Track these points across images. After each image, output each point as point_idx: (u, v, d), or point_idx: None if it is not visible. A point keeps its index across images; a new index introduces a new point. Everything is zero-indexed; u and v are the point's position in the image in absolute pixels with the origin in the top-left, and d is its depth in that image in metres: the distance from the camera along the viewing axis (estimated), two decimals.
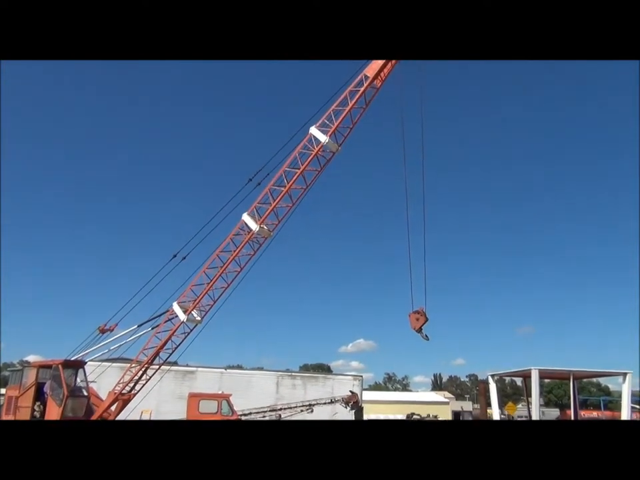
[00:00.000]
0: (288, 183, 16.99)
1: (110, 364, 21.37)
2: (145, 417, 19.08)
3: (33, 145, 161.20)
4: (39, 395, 17.69)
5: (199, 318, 17.66)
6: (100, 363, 20.16)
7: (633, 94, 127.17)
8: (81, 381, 18.51)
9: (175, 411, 22.00)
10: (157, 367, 18.16)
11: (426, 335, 15.25)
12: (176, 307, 17.68)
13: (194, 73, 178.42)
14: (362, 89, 16.93)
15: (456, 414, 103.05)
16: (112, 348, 19.02)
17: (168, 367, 21.57)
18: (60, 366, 17.67)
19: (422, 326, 15.23)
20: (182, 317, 17.47)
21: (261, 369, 59.39)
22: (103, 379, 19.94)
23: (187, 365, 30.86)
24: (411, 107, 18.69)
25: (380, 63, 16.71)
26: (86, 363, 18.96)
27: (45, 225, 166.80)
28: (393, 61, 16.72)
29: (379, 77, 17.09)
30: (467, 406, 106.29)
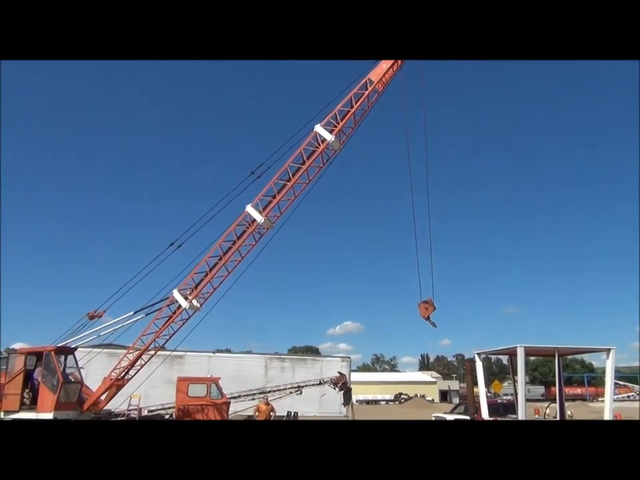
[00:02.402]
0: (292, 178, 17.54)
1: (101, 350, 21.36)
2: (134, 402, 19.07)
3: (25, 141, 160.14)
4: (27, 382, 17.60)
5: (198, 305, 17.99)
6: (91, 349, 20.18)
7: (633, 94, 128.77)
8: (70, 367, 18.46)
9: (164, 395, 22.04)
10: (153, 352, 18.42)
11: (434, 322, 16.28)
12: (176, 294, 18.01)
13: (198, 71, 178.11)
14: (366, 92, 17.48)
15: (443, 393, 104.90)
16: (102, 334, 19.05)
17: (169, 353, 22.11)
18: (53, 352, 17.62)
19: (430, 314, 16.22)
20: (184, 304, 17.82)
21: (249, 352, 59.49)
22: (90, 365, 19.93)
23: (175, 350, 30.89)
24: (414, 104, 19.21)
25: (384, 68, 17.34)
26: (76, 349, 18.94)
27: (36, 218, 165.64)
28: (395, 67, 17.41)
29: (381, 81, 17.60)
30: (454, 385, 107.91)
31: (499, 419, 10.33)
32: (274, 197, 17.75)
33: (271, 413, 21.08)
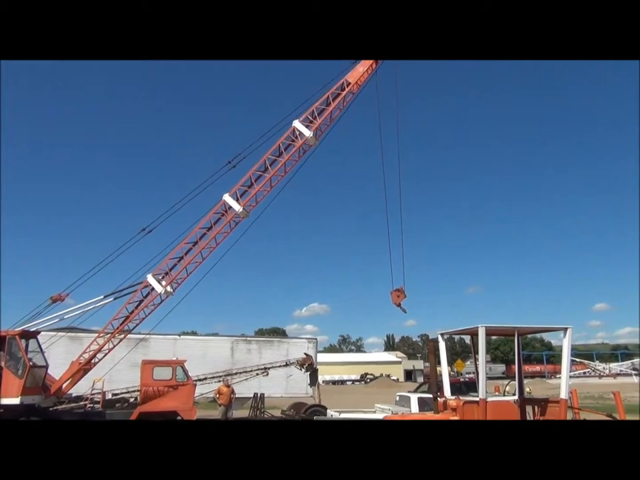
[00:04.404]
0: (271, 169, 18.17)
1: (65, 333, 21.17)
2: (98, 386, 18.91)
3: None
4: None
5: (171, 290, 18.23)
6: (54, 332, 20.03)
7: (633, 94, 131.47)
8: (31, 350, 18.13)
9: (129, 379, 21.87)
10: (123, 336, 18.48)
11: (404, 309, 17.39)
12: (151, 279, 18.19)
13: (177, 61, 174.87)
14: (343, 92, 18.22)
15: (408, 372, 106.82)
16: (66, 317, 18.87)
17: (141, 337, 22.54)
18: (17, 337, 17.40)
19: (401, 301, 17.33)
20: (159, 288, 18.07)
21: (216, 334, 59.26)
22: (50, 349, 19.62)
23: (143, 333, 30.63)
24: (388, 99, 19.61)
25: (360, 71, 18.17)
26: (39, 332, 18.71)
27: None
28: (370, 70, 18.24)
29: (357, 83, 18.29)
30: (419, 365, 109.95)
31: (461, 397, 10.61)
32: (249, 186, 18.29)
33: (232, 395, 21.40)
